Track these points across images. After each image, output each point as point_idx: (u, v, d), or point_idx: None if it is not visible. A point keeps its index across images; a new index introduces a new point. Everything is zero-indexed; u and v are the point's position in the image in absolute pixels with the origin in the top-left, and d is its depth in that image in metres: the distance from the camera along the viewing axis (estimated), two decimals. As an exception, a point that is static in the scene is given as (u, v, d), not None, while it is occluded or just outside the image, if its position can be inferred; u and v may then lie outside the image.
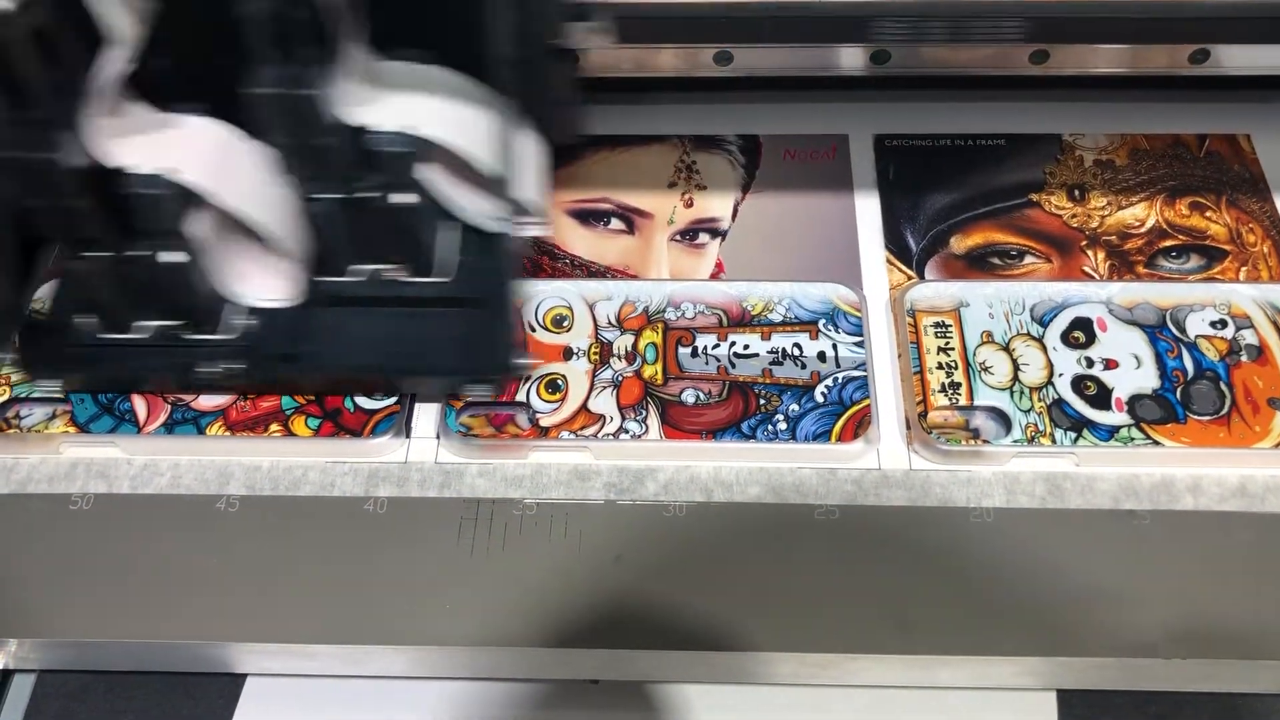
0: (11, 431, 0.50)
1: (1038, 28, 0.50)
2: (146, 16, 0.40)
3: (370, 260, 0.48)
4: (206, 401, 0.50)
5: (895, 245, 0.55)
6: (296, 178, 0.44)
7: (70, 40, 0.38)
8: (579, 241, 0.56)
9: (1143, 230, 0.55)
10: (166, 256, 0.44)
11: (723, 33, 0.53)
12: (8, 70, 0.37)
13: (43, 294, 0.51)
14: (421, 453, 0.49)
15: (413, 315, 0.49)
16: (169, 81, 0.43)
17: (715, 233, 0.56)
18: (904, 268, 0.54)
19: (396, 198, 0.44)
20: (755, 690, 0.49)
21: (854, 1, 0.51)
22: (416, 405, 0.51)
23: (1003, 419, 0.49)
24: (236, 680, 0.51)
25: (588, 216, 0.57)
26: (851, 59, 0.55)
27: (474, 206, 0.48)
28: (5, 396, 0.51)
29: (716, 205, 0.57)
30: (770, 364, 0.50)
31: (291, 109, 0.40)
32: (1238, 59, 0.55)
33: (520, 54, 0.42)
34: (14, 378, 0.51)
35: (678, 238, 0.56)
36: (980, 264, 0.54)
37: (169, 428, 0.49)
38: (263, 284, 0.49)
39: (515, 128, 0.45)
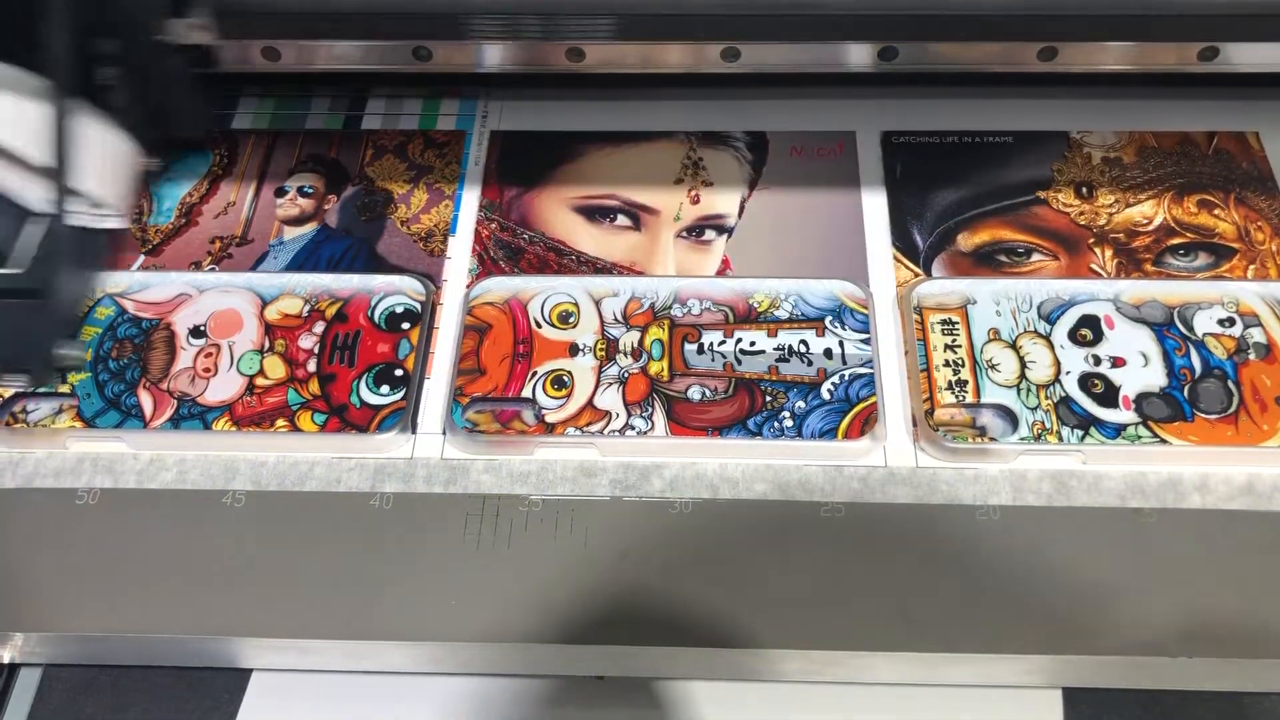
0: (18, 426, 0.50)
1: (1046, 24, 0.51)
2: None
3: None
4: (213, 396, 0.50)
5: (902, 242, 0.55)
6: None
7: None
8: (585, 238, 0.56)
9: (1151, 228, 0.55)
10: None
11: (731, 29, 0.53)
12: None
13: None
14: (428, 449, 0.49)
15: None
16: None
17: (722, 229, 0.56)
18: (911, 265, 0.54)
19: None
20: (761, 687, 0.49)
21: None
22: (423, 401, 0.51)
23: (1009, 416, 0.49)
24: (242, 675, 0.51)
25: (594, 213, 0.57)
26: (859, 55, 0.55)
27: (43, 198, 0.48)
28: (11, 391, 0.51)
29: (723, 202, 0.57)
30: (776, 361, 0.50)
31: None
32: (1247, 56, 0.54)
33: (116, 50, 0.42)
34: (20, 372, 0.51)
35: (684, 234, 0.56)
36: (987, 261, 0.54)
37: (175, 422, 0.49)
38: None
39: (81, 121, 0.46)
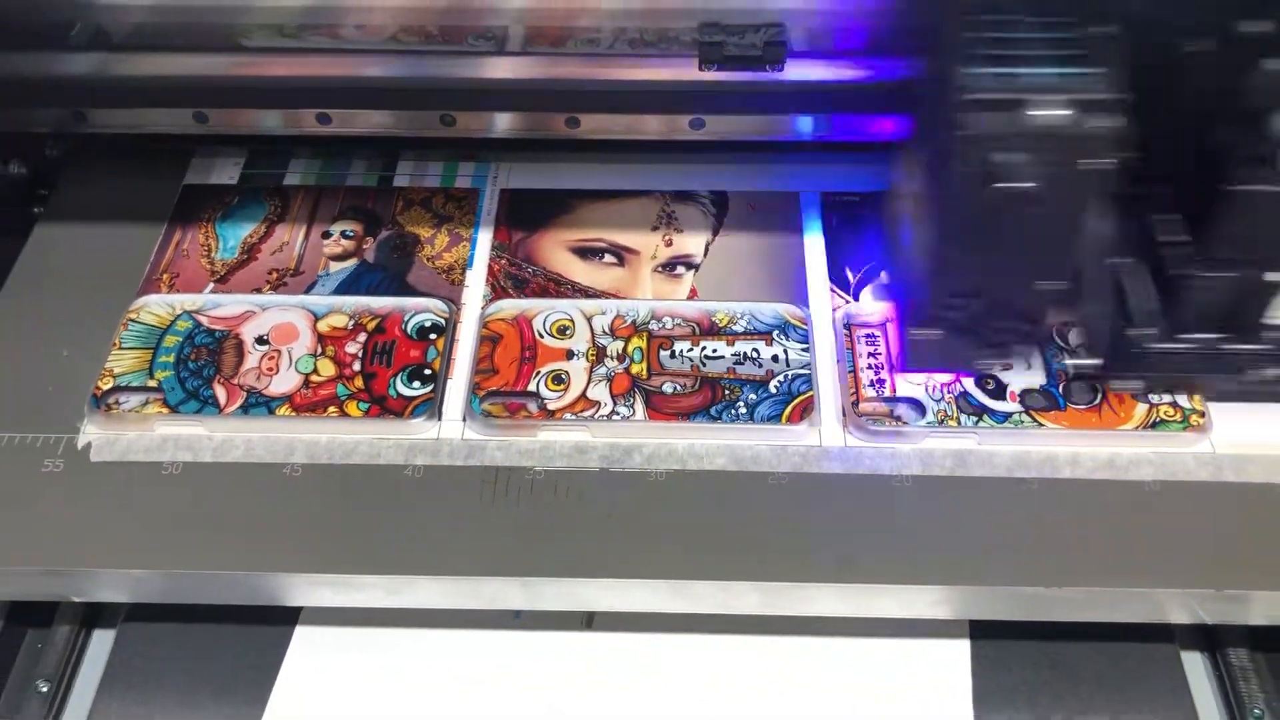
0: (114, 412, 0.61)
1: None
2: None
3: None
4: (275, 389, 0.61)
5: (836, 278, 0.68)
6: None
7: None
8: (579, 272, 0.68)
9: (1038, 267, 0.68)
10: (1271, 276, 0.54)
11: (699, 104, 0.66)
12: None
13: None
14: (451, 431, 0.61)
15: None
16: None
17: (690, 266, 0.68)
18: (843, 294, 0.67)
19: None
20: (710, 639, 0.60)
21: (800, 81, 0.64)
22: (447, 395, 0.62)
23: (919, 407, 0.61)
24: (285, 634, 0.62)
25: (586, 253, 0.69)
26: (802, 125, 0.69)
27: None
28: (109, 385, 0.62)
29: (691, 244, 0.69)
30: (734, 364, 0.62)
31: None
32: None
33: None
34: (116, 369, 0.62)
35: (659, 269, 0.68)
36: (906, 292, 0.67)
37: (245, 410, 0.61)
38: None
39: None
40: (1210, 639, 0.64)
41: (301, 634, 0.63)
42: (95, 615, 0.66)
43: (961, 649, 0.62)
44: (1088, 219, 0.52)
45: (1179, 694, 0.61)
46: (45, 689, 0.63)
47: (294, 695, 0.61)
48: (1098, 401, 0.61)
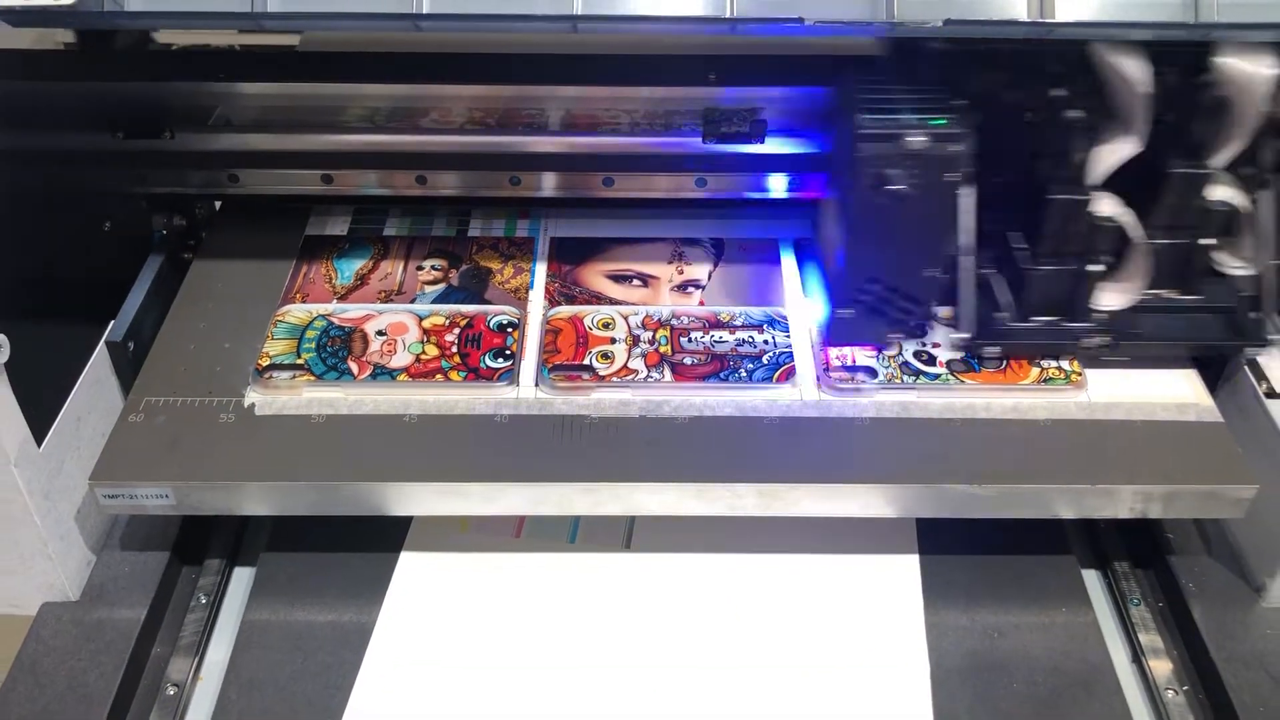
0: (271, 381, 0.81)
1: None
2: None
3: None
4: (395, 363, 0.82)
5: (807, 292, 0.90)
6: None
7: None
8: (614, 291, 0.90)
9: (959, 286, 0.91)
10: (1092, 267, 0.78)
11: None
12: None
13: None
14: (527, 393, 0.81)
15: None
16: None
17: (698, 286, 0.91)
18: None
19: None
20: (719, 557, 0.80)
21: (778, 154, 0.88)
22: (523, 368, 0.83)
23: (872, 372, 0.82)
24: (394, 555, 0.81)
25: (618, 278, 0.91)
26: (776, 183, 0.92)
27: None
28: (267, 362, 0.82)
29: (698, 272, 0.92)
30: (735, 345, 0.84)
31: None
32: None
33: None
34: (271, 352, 0.83)
35: (675, 289, 0.90)
36: (861, 303, 0.89)
37: (373, 377, 0.81)
38: (1112, 298, 0.80)
39: None
40: (1100, 557, 0.85)
41: (405, 556, 0.82)
42: (236, 553, 0.85)
43: (913, 561, 0.82)
44: (958, 228, 0.76)
45: (1077, 590, 0.82)
46: (205, 600, 0.81)
47: (402, 596, 0.80)
48: (1003, 366, 0.82)
